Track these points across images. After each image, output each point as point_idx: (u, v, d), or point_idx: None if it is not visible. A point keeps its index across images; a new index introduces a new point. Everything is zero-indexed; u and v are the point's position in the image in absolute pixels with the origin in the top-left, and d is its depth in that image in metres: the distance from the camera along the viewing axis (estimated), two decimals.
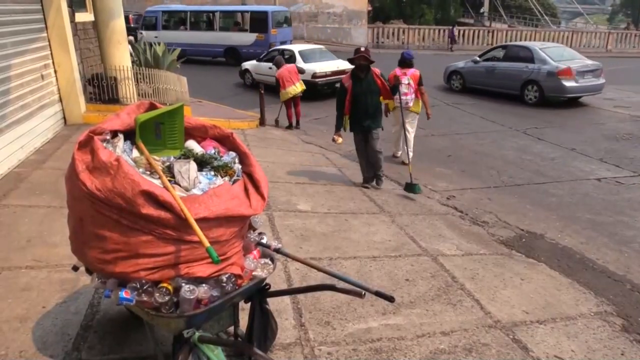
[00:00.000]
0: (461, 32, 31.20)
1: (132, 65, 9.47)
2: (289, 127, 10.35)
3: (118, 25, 8.91)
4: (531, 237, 5.12)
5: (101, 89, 8.66)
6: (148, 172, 2.19)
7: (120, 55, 9.01)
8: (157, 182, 2.12)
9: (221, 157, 2.46)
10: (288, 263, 3.93)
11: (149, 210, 1.98)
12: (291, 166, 7.09)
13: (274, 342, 2.87)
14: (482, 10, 44.76)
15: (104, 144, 2.18)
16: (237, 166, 2.45)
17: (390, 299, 2.26)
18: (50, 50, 7.43)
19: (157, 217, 1.99)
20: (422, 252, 4.44)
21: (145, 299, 2.03)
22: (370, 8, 33.33)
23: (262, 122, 10.34)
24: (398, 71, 7.52)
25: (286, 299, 3.42)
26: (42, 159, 6.14)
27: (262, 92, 10.19)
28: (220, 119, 9.74)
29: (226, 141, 2.58)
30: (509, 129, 10.25)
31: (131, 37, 11.51)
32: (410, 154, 7.37)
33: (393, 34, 30.92)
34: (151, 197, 1.99)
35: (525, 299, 3.73)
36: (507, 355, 3.02)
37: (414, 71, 7.66)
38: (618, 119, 11.35)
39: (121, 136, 2.33)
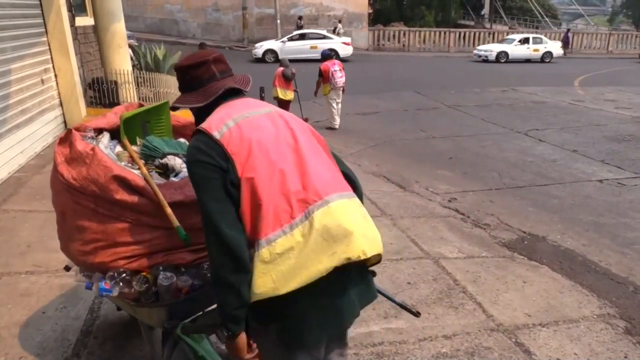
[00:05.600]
0: (462, 34, 31.30)
1: (133, 69, 9.49)
2: None
3: (118, 29, 8.92)
4: (533, 240, 5.10)
5: (102, 92, 8.67)
6: (130, 165, 2.21)
7: (121, 59, 9.03)
8: (138, 172, 2.14)
9: None
10: None
11: (122, 195, 1.97)
12: None
13: None
14: (482, 12, 44.80)
15: (87, 140, 2.21)
16: None
17: (416, 314, 2.20)
18: (51, 54, 7.44)
19: (131, 203, 1.98)
20: (424, 255, 4.42)
21: (125, 289, 2.01)
22: (370, 11, 33.37)
23: None
24: (328, 63, 9.96)
25: None
26: (42, 163, 6.14)
27: (263, 95, 10.18)
28: None
29: None
30: (510, 130, 10.23)
31: (132, 41, 11.52)
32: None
33: (394, 36, 30.97)
34: (124, 182, 1.98)
35: (527, 301, 3.71)
36: (509, 358, 3.00)
37: (337, 61, 10.26)
38: (619, 120, 11.33)
39: (106, 134, 2.36)
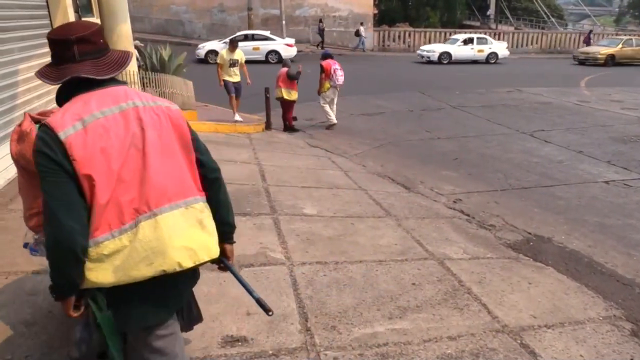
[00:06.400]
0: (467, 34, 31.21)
1: (139, 70, 9.51)
2: (286, 129, 10.34)
3: (124, 30, 8.94)
4: (538, 241, 5.09)
5: None
6: None
7: None
8: None
9: None
10: (294, 267, 3.92)
11: None
12: (297, 170, 7.08)
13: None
14: (488, 13, 44.69)
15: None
16: None
17: (268, 313, 1.98)
18: None
19: None
20: (429, 256, 4.42)
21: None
22: (376, 11, 33.37)
23: (268, 126, 10.34)
24: (330, 61, 10.23)
25: (292, 303, 3.41)
26: None
27: (268, 95, 10.20)
28: (226, 123, 9.77)
29: None
30: (515, 131, 10.21)
31: (137, 41, 11.56)
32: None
33: (399, 37, 30.98)
34: None
35: (533, 303, 3.70)
36: None
37: (336, 61, 10.50)
38: (625, 120, 11.28)
39: None
